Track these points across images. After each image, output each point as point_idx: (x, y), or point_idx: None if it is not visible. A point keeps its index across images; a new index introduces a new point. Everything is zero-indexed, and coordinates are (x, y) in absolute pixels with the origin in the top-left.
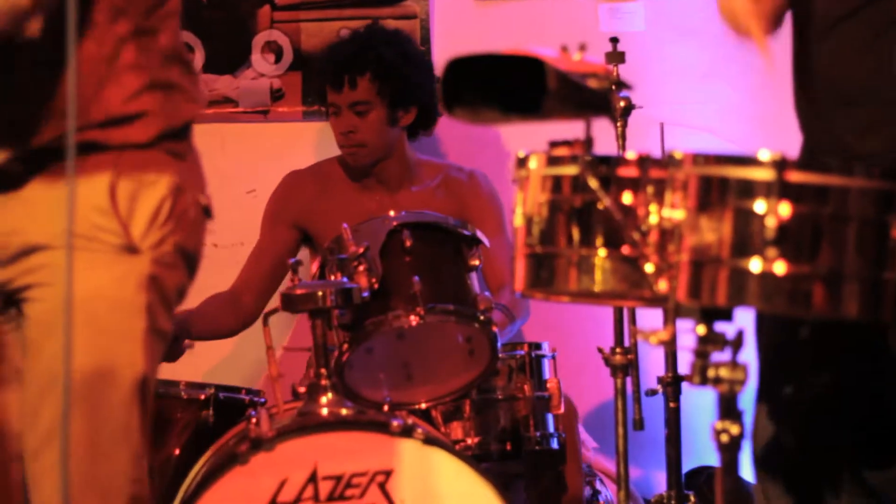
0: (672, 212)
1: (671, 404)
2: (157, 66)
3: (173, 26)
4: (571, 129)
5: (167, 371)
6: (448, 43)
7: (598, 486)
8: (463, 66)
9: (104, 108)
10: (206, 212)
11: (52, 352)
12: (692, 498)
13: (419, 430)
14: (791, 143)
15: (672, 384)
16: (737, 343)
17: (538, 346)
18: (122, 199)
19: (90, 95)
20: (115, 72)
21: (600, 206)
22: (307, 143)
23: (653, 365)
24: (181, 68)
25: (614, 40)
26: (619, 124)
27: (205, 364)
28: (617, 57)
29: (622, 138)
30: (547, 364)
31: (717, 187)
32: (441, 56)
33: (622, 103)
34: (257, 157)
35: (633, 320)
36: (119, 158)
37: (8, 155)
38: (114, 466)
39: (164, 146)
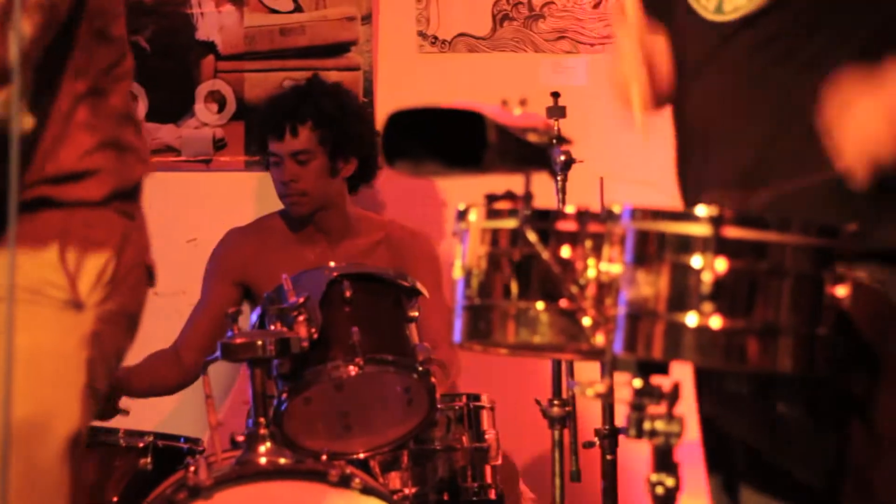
0: (610, 266)
1: (608, 456)
2: (111, 125)
3: (126, 87)
4: (511, 182)
5: None
6: (391, 95)
7: None
8: (404, 119)
9: (58, 165)
10: (150, 275)
11: None
12: None
13: (357, 480)
14: None
15: (609, 436)
16: (673, 396)
17: (476, 398)
18: (71, 256)
19: (46, 151)
20: (70, 129)
21: (539, 260)
22: (249, 192)
23: (590, 417)
24: (133, 129)
25: (555, 94)
26: (559, 178)
27: (144, 412)
28: (558, 111)
29: (562, 192)
30: (485, 415)
31: (655, 242)
32: (384, 108)
33: (562, 157)
34: (199, 206)
35: (570, 373)
36: (70, 215)
37: None
38: None
39: (115, 205)
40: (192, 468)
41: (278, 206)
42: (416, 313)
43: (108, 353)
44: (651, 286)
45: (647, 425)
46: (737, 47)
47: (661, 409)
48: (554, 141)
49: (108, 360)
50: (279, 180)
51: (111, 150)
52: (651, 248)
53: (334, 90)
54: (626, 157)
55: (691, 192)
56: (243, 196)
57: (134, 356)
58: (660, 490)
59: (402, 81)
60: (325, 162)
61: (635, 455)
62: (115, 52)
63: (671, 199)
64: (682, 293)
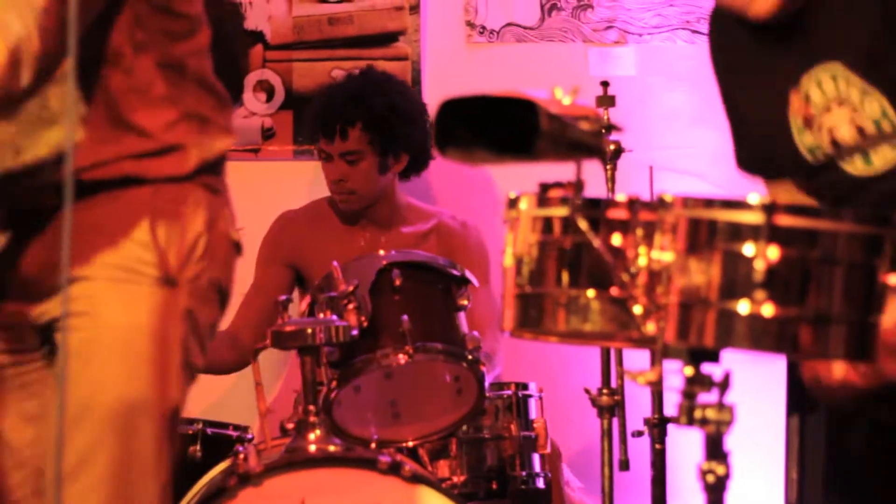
0: (661, 254)
1: (657, 445)
2: (190, 98)
3: (205, 62)
4: (562, 171)
5: None
6: (438, 85)
7: None
8: (456, 107)
9: (141, 139)
10: (237, 247)
11: (88, 380)
12: None
13: (406, 468)
14: None
15: (658, 425)
16: (724, 384)
17: (525, 386)
18: (161, 233)
19: (125, 125)
20: (150, 102)
21: (590, 248)
22: (297, 181)
23: (639, 406)
24: (214, 101)
25: (605, 84)
26: (608, 167)
27: (193, 399)
28: (607, 100)
29: (612, 181)
30: (534, 404)
31: (706, 230)
32: (432, 98)
33: (612, 146)
34: (247, 195)
35: (619, 361)
36: (157, 192)
37: (45, 189)
38: (143, 498)
39: (201, 180)
40: (241, 455)
41: (327, 193)
42: (466, 302)
43: (201, 328)
44: (703, 274)
45: (697, 413)
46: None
47: (713, 397)
48: (604, 130)
49: (202, 335)
50: (330, 178)
51: (194, 123)
52: (703, 236)
53: (386, 88)
54: (675, 148)
55: None
56: (292, 185)
57: None
58: (710, 478)
59: (450, 71)
60: (375, 161)
61: (684, 444)
62: (183, 26)
63: (719, 189)
64: (734, 281)
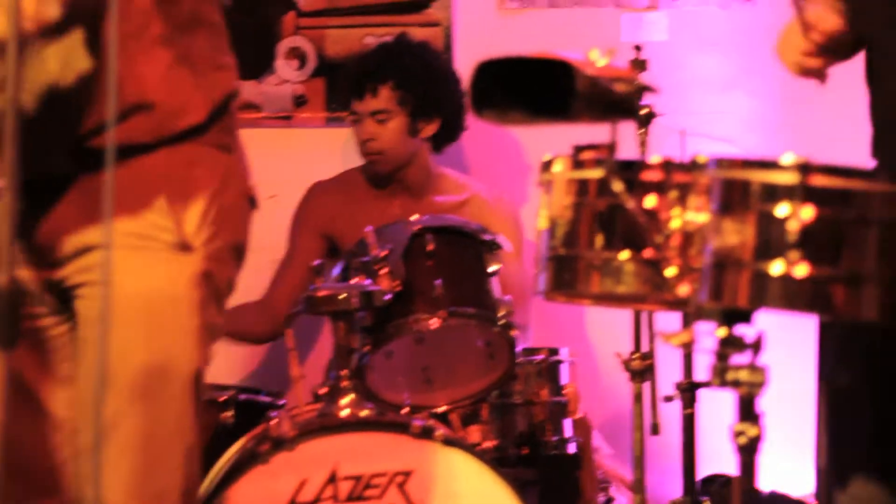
0: (695, 215)
1: (687, 410)
2: (181, 35)
3: None
4: (589, 134)
5: None
6: (471, 51)
7: (613, 492)
8: (492, 69)
9: (140, 88)
10: (252, 202)
11: (109, 348)
12: None
13: (439, 432)
14: (809, 152)
15: (688, 390)
16: (756, 346)
17: (556, 352)
18: (176, 198)
19: (123, 74)
20: (144, 47)
21: (624, 210)
22: (330, 149)
23: (669, 371)
24: (206, 33)
25: (637, 48)
26: (641, 132)
27: (225, 365)
28: (639, 64)
29: (643, 146)
30: (564, 369)
31: (741, 191)
32: (463, 64)
33: (645, 110)
34: (280, 162)
35: (650, 325)
36: (172, 155)
37: (56, 156)
38: (170, 460)
39: (212, 139)
40: (274, 420)
41: (359, 162)
42: (498, 266)
43: (219, 288)
44: (737, 235)
45: (730, 375)
46: None
47: (745, 358)
48: (640, 92)
49: (221, 295)
50: (359, 138)
51: (186, 64)
52: (737, 197)
53: (420, 50)
54: (706, 113)
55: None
56: (324, 152)
57: None
58: (742, 440)
59: (482, 37)
60: (404, 122)
61: (714, 409)
62: None
63: (749, 153)
64: (769, 241)
